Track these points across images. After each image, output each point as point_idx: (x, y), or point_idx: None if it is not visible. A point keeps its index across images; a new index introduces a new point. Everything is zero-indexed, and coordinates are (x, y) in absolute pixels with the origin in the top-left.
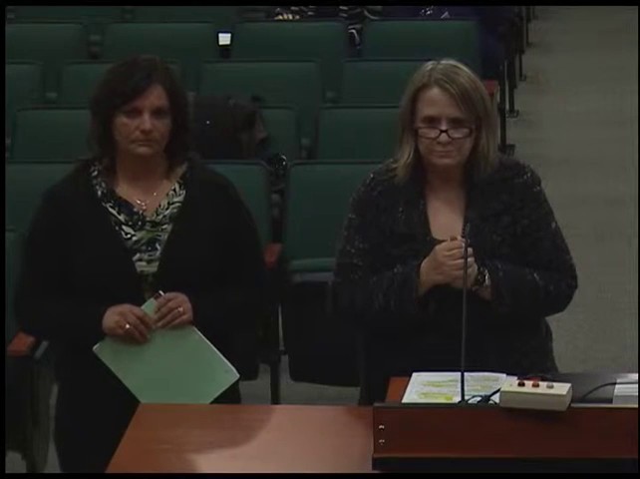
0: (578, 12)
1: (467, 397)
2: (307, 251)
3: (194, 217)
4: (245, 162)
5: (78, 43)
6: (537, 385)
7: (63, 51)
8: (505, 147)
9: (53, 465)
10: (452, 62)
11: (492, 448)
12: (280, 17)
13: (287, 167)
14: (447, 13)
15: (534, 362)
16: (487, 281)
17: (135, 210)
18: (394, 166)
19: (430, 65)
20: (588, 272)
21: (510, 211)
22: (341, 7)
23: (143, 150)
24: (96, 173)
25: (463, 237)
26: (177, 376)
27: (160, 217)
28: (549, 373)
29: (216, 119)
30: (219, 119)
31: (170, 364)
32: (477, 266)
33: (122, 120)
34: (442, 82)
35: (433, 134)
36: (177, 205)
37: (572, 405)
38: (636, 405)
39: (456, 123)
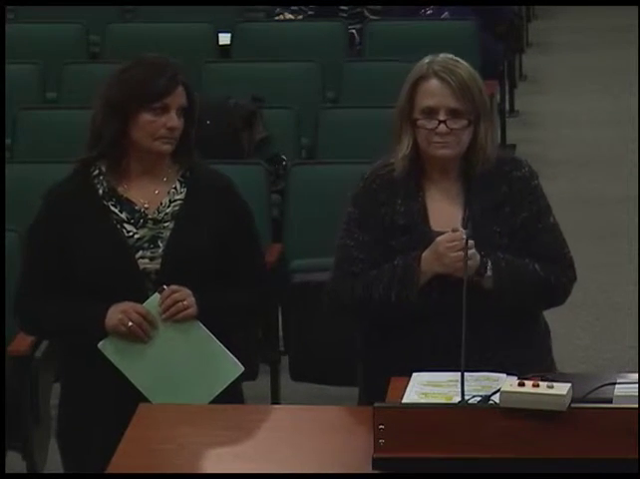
0: (578, 12)
1: (467, 397)
2: (307, 251)
3: (196, 214)
4: (245, 162)
5: (78, 43)
6: (537, 385)
7: (63, 51)
8: (506, 147)
9: (53, 465)
10: (450, 55)
11: (492, 448)
12: (281, 17)
13: (287, 167)
14: (447, 13)
15: (534, 358)
16: (489, 272)
17: (136, 208)
18: (391, 161)
19: (428, 58)
20: (589, 272)
21: (509, 203)
22: (341, 7)
23: (166, 147)
24: (96, 172)
25: (463, 228)
26: (183, 371)
27: (162, 214)
28: (550, 371)
29: (216, 119)
30: (219, 119)
31: (176, 359)
32: (479, 257)
33: (146, 117)
34: (441, 73)
35: (431, 124)
36: (179, 202)
37: (572, 405)
38: (636, 405)
39: (454, 114)
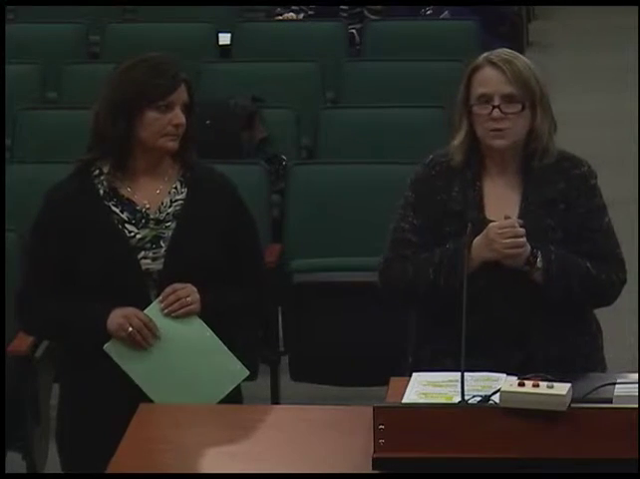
0: (579, 12)
1: (467, 397)
2: (307, 251)
3: (197, 214)
4: (245, 162)
5: (78, 43)
6: (537, 385)
7: (63, 51)
8: None
9: (53, 465)
10: (508, 50)
11: (492, 448)
12: (289, 16)
13: (287, 167)
14: (447, 13)
15: (584, 354)
16: (539, 263)
17: (138, 208)
18: (452, 150)
19: (486, 52)
20: None
21: (566, 199)
22: (341, 7)
23: (172, 145)
24: (97, 172)
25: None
26: (189, 373)
27: (164, 214)
28: (598, 368)
29: (216, 119)
30: (219, 119)
31: (182, 361)
32: (529, 247)
33: (152, 115)
34: (495, 61)
35: (486, 110)
36: (180, 202)
37: (572, 405)
38: (636, 405)
39: (508, 99)
